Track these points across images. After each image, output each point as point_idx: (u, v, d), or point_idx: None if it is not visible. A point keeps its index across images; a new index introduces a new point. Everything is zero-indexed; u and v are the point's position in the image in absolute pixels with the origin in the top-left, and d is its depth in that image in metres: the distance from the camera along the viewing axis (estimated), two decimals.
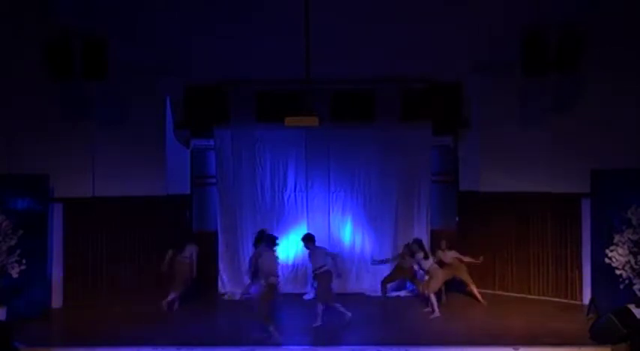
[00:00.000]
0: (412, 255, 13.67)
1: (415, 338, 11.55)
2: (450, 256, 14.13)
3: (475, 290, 14.03)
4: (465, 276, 14.10)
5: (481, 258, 13.90)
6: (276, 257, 12.22)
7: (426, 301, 13.38)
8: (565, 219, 14.09)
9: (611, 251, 11.89)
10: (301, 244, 13.14)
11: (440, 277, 13.40)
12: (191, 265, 13.76)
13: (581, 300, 13.67)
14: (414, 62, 14.23)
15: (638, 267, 11.58)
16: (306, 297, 14.66)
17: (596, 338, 11.05)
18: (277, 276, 11.98)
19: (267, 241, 12.37)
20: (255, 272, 12.21)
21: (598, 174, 12.83)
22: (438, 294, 13.53)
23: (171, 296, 13.54)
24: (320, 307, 12.37)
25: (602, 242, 12.28)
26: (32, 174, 13.18)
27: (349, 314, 12.31)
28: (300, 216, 15.26)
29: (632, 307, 11.27)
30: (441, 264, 13.89)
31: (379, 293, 14.59)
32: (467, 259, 14.00)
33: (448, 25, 12.80)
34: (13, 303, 12.19)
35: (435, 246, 14.76)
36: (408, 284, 14.92)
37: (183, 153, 15.77)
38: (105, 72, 12.47)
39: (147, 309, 13.65)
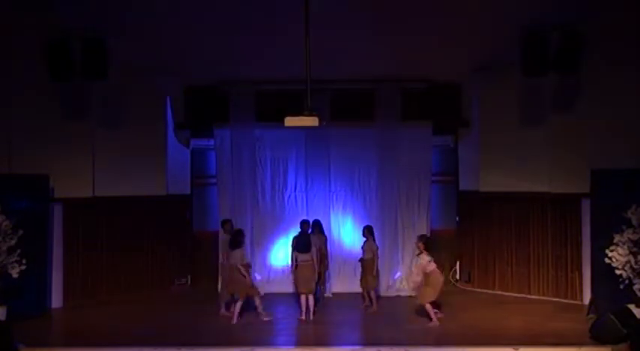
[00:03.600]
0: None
1: (415, 338, 11.53)
2: (425, 264, 12.27)
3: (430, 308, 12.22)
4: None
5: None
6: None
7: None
8: (565, 219, 14.08)
9: (611, 251, 11.86)
10: None
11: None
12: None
13: (581, 300, 13.65)
14: (414, 62, 14.23)
15: (638, 267, 11.56)
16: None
17: (596, 338, 11.04)
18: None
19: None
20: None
21: (598, 174, 12.83)
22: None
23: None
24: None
25: (602, 242, 12.25)
26: (32, 174, 13.16)
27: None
28: (300, 216, 15.21)
29: (632, 307, 11.26)
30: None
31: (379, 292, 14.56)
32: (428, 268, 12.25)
33: (448, 25, 12.79)
34: (13, 303, 12.17)
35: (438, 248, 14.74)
36: None
37: (184, 153, 15.78)
38: (105, 72, 12.51)
39: (147, 309, 13.67)
